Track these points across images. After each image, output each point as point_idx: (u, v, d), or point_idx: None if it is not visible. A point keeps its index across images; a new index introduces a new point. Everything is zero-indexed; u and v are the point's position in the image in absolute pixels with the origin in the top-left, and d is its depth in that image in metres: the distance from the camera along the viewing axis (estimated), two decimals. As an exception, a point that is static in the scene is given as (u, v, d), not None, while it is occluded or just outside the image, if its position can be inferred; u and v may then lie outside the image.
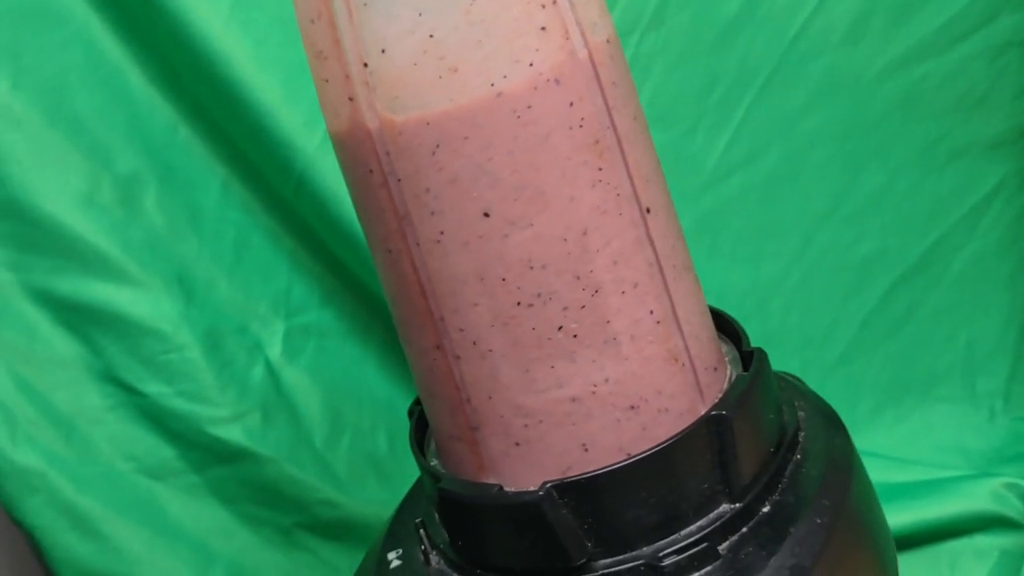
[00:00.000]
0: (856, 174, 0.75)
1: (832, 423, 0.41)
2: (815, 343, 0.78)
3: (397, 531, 0.43)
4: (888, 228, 0.76)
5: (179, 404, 0.69)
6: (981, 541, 0.71)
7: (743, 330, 0.40)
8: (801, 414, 0.41)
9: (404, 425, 0.75)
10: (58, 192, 0.65)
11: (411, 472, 0.74)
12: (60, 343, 0.67)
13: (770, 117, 0.73)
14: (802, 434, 0.40)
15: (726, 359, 0.40)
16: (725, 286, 0.75)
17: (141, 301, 0.67)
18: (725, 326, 0.41)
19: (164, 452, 0.70)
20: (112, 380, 0.68)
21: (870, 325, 0.77)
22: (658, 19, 0.69)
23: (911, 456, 0.76)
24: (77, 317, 0.67)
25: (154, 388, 0.68)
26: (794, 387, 0.44)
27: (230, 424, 0.69)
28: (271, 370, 0.71)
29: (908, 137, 0.73)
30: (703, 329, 0.38)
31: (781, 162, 0.74)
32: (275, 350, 0.71)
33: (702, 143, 0.73)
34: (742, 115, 0.72)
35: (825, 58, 0.71)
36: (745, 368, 0.39)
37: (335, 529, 0.73)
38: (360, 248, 0.68)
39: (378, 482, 0.74)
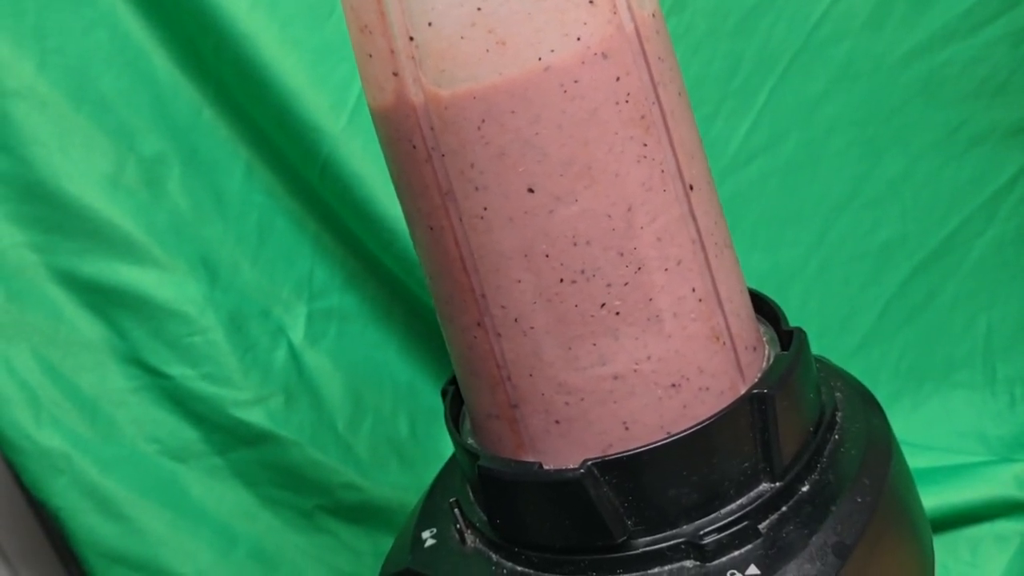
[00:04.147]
0: (876, 160, 0.74)
1: (869, 403, 0.41)
2: (834, 330, 0.78)
3: (430, 510, 0.43)
4: (908, 215, 0.76)
5: (203, 387, 0.69)
6: (1002, 527, 0.71)
7: (781, 310, 0.40)
8: (838, 394, 0.41)
9: (425, 409, 0.76)
10: (83, 174, 0.64)
11: (432, 455, 0.75)
12: (84, 325, 0.67)
13: (791, 103, 0.72)
14: (840, 414, 0.40)
15: (764, 339, 0.40)
16: (744, 272, 0.75)
17: (165, 284, 0.67)
18: (761, 306, 0.41)
19: (187, 434, 0.70)
20: (136, 362, 0.68)
21: (889, 312, 0.77)
22: (680, 2, 0.69)
23: (930, 442, 0.76)
24: (102, 299, 0.67)
25: (178, 370, 0.68)
26: (830, 368, 0.44)
27: (253, 407, 0.69)
28: (294, 353, 0.71)
29: (928, 123, 0.73)
30: (743, 308, 0.38)
31: (801, 148, 0.74)
32: (298, 334, 0.71)
33: (723, 128, 0.73)
34: (763, 100, 0.72)
35: (846, 43, 0.71)
36: (783, 348, 0.39)
37: (357, 512, 0.73)
38: (383, 232, 0.68)
39: (399, 466, 0.74)
